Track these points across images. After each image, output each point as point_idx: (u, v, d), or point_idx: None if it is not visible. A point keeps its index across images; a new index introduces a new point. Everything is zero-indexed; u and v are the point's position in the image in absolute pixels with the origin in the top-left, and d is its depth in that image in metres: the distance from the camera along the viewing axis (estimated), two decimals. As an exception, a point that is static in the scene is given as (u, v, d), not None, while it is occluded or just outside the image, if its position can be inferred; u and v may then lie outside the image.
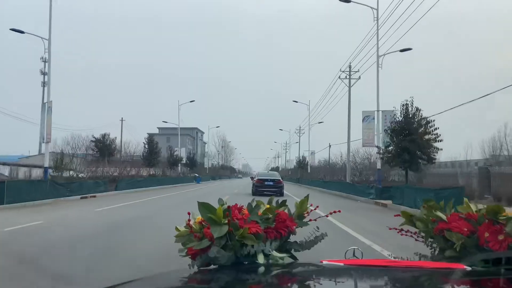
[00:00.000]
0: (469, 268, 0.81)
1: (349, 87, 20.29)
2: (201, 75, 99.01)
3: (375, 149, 16.46)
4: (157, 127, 58.80)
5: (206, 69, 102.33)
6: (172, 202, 11.12)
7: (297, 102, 30.55)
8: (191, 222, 0.99)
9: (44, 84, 27.62)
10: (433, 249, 0.99)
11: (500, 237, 0.86)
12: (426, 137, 11.13)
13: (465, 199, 1.00)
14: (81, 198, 11.64)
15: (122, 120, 39.04)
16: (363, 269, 0.85)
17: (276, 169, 65.98)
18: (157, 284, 0.86)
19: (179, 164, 32.25)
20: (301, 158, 42.61)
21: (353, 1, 13.82)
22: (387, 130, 12.02)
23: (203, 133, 73.85)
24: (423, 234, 0.99)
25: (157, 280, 0.92)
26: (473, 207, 0.92)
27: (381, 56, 13.98)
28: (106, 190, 14.10)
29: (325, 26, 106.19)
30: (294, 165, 49.12)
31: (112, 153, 20.73)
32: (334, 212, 1.16)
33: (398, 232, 1.05)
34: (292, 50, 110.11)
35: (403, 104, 11.57)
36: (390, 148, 11.99)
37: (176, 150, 32.03)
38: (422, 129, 11.18)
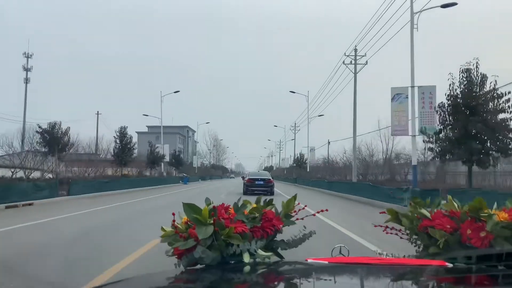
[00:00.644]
0: (450, 265, 1.04)
1: (355, 73, 20.45)
2: (195, 74, 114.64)
3: (379, 146, 17.69)
4: (146, 126, 64.19)
5: (199, 68, 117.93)
6: (134, 211, 10.16)
7: (294, 92, 33.18)
8: (176, 222, 1.22)
9: (26, 80, 32.79)
10: (417, 246, 1.28)
11: (482, 234, 1.12)
12: (501, 116, 9.31)
13: (449, 196, 1.29)
14: (7, 207, 10.34)
15: (98, 114, 39.15)
16: (346, 267, 1.07)
17: (269, 168, 72.94)
18: (143, 284, 1.05)
19: (162, 163, 32.89)
20: (298, 155, 43.71)
21: None
22: (441, 107, 10.44)
23: (194, 131, 79.41)
24: (408, 231, 1.29)
25: (143, 280, 1.11)
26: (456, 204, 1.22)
27: (416, 13, 12.73)
28: (53, 195, 12.93)
29: (324, 24, 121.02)
30: (290, 164, 50.73)
31: (64, 147, 18.95)
32: (322, 211, 1.52)
33: (383, 230, 1.37)
34: (288, 48, 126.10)
35: (463, 70, 9.79)
36: (442, 135, 10.46)
37: (157, 147, 32.47)
38: (492, 104, 9.39)
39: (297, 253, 1.35)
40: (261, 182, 18.23)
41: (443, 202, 1.33)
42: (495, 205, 1.25)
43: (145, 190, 21.74)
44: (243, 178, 22.80)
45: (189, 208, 1.19)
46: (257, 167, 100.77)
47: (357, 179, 21.06)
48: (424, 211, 1.28)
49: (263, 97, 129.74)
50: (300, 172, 41.80)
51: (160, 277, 1.14)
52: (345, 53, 21.36)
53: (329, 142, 40.41)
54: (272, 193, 16.95)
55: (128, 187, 20.63)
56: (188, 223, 1.24)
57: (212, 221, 1.17)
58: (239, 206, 1.32)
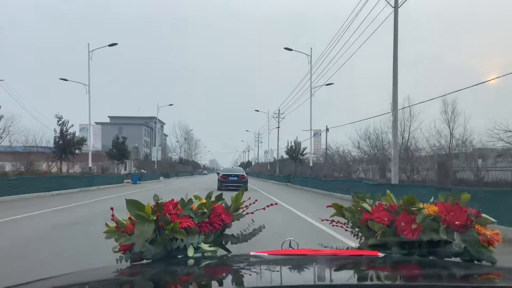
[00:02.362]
0: (382, 255, 1.19)
1: (396, 7, 14.55)
2: (169, 66, 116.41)
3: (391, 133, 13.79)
4: (108, 116, 62.11)
5: (173, 60, 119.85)
6: None
7: (291, 50, 25.89)
8: (115, 218, 1.27)
9: None
10: (359, 238, 1.42)
11: (413, 226, 1.25)
12: None
13: (388, 191, 1.43)
14: None
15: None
16: (284, 259, 1.19)
17: (247, 164, 71.69)
18: (84, 277, 1.11)
19: (88, 153, 23.53)
20: (292, 144, 33.12)
21: None
22: None
23: (164, 124, 76.87)
24: (351, 224, 1.43)
25: (86, 274, 1.18)
26: (394, 198, 1.39)
27: None
28: None
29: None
30: (276, 158, 42.42)
31: None
32: (272, 205, 1.58)
33: (330, 223, 1.49)
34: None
35: None
36: None
37: (72, 125, 21.99)
38: None
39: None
40: (235, 178, 20.25)
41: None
42: (432, 199, 1.42)
43: (26, 200, 13.85)
44: (218, 174, 24.12)
45: (132, 204, 1.24)
46: (233, 163, 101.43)
47: (401, 179, 14.96)
48: (365, 205, 1.42)
49: (240, 85, 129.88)
50: (296, 167, 32.50)
51: (101, 272, 1.21)
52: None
53: (327, 129, 30.49)
54: (245, 189, 18.46)
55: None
56: (132, 218, 1.30)
57: (155, 217, 1.24)
58: (186, 201, 1.40)
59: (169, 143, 73.26)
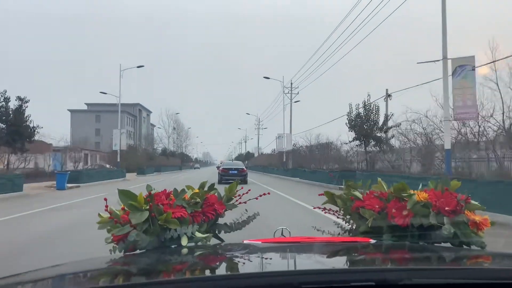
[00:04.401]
0: (373, 241, 1.26)
1: None
2: (150, 49, 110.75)
3: (496, 98, 8.50)
4: (85, 103, 58.71)
5: (159, 46, 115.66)
6: None
7: None
8: (113, 208, 1.32)
9: None
10: (351, 225, 1.49)
11: (404, 213, 1.33)
12: None
13: (379, 179, 1.51)
14: None
15: None
16: (278, 246, 1.24)
17: (247, 155, 68.56)
18: (79, 267, 1.17)
19: None
20: (361, 110, 16.90)
21: None
22: None
23: (150, 112, 72.08)
24: (342, 211, 1.50)
25: (80, 264, 1.23)
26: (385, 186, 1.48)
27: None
28: None
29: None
30: (295, 145, 31.21)
31: None
32: (264, 194, 1.70)
33: (322, 211, 1.58)
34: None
35: None
36: None
37: None
38: None
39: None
40: (235, 172, 22.23)
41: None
42: (420, 186, 1.52)
43: None
44: (218, 168, 25.97)
45: (124, 194, 1.28)
46: (227, 155, 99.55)
47: None
48: (356, 193, 1.51)
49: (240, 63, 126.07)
50: (366, 153, 17.76)
51: (95, 261, 1.25)
52: None
53: (388, 95, 21.28)
54: (245, 182, 20.32)
55: None
56: (125, 209, 1.38)
57: (148, 207, 1.28)
58: (179, 191, 1.48)
59: (156, 134, 71.38)
